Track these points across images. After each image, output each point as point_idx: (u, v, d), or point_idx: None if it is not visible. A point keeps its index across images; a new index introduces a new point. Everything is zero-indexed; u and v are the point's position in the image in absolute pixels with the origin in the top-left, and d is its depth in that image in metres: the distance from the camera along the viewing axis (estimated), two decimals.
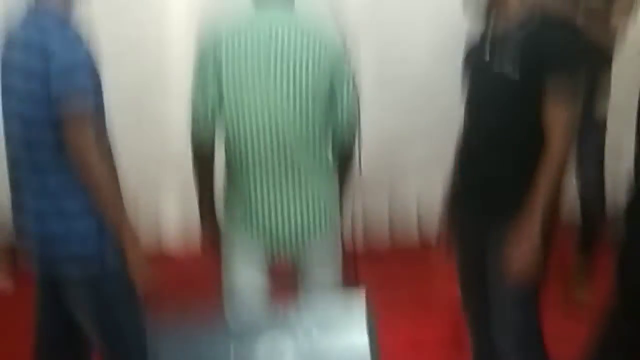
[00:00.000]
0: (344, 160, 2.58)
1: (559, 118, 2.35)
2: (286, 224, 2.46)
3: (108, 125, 2.40)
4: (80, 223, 2.29)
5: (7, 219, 2.66)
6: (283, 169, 2.44)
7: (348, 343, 1.56)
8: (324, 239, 2.53)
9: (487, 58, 2.45)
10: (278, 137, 2.41)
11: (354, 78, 2.47)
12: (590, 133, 3.67)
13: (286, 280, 2.61)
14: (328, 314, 1.76)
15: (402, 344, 3.43)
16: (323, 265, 2.57)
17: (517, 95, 2.38)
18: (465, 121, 2.59)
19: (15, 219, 2.46)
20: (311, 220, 2.47)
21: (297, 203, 2.45)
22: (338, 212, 2.60)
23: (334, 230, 2.57)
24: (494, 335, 2.54)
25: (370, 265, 4.36)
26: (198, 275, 3.64)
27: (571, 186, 3.85)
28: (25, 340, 2.58)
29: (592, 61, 3.33)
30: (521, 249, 2.36)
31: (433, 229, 3.01)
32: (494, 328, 2.54)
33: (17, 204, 2.41)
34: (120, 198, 2.35)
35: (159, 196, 4.66)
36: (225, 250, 2.58)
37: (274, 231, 2.47)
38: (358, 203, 4.24)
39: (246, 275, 2.54)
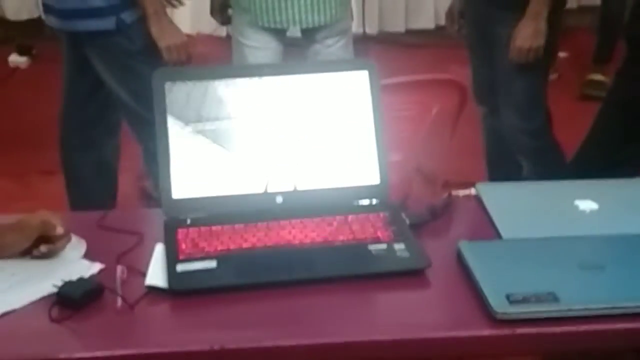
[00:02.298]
0: None
1: None
2: (295, 3, 2.48)
3: None
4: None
5: None
6: None
7: None
8: (335, 20, 2.55)
9: None
10: None
11: None
12: None
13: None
14: None
15: None
16: (334, 46, 2.59)
17: None
18: None
19: None
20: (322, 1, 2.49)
21: None
22: None
23: (346, 11, 2.61)
24: (501, 108, 2.59)
25: (384, 49, 4.42)
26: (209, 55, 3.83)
27: None
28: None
29: None
30: (526, 30, 2.39)
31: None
32: (501, 102, 2.58)
33: None
34: None
35: None
36: (235, 34, 2.63)
37: (283, 10, 2.49)
38: None
39: (256, 57, 2.57)
